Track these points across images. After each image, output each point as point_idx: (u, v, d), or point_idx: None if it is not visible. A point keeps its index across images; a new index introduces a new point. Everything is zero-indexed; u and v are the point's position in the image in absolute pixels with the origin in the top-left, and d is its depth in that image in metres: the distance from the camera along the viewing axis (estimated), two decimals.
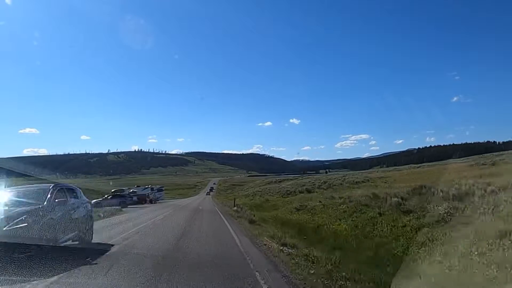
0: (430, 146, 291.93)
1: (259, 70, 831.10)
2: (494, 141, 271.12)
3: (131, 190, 42.76)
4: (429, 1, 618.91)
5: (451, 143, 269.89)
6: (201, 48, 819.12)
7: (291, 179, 70.41)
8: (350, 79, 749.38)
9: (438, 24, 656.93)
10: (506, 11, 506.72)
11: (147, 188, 54.21)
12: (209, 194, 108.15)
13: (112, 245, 8.46)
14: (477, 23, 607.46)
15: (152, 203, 46.89)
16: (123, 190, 37.67)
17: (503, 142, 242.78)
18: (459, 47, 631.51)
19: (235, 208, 25.30)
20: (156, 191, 55.56)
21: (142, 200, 45.74)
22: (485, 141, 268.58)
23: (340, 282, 5.23)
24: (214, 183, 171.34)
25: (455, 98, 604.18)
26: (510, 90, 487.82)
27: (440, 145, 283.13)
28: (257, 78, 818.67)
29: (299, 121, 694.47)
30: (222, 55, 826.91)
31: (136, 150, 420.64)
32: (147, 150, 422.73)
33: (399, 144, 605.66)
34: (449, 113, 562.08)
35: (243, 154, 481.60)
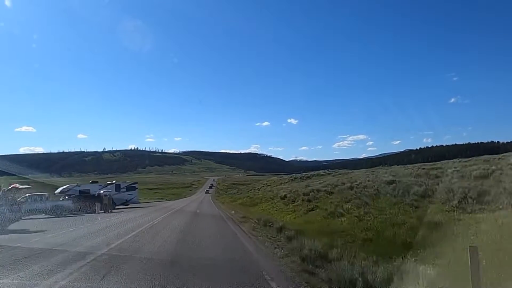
0: (432, 146, 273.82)
1: (258, 70, 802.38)
2: (497, 141, 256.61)
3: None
4: (427, 1, 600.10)
5: (453, 143, 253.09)
6: (199, 48, 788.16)
7: (322, 175, 48.32)
8: (348, 79, 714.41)
9: (437, 24, 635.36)
10: (504, 12, 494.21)
11: (109, 185, 31.53)
12: (208, 192, 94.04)
13: None
14: (476, 23, 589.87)
15: (107, 211, 24.32)
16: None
17: (507, 143, 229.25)
18: (457, 48, 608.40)
19: None
20: (123, 189, 32.73)
21: (87, 206, 23.22)
22: (489, 141, 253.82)
23: None
24: (214, 180, 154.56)
25: (453, 99, 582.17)
26: (508, 91, 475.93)
27: (442, 145, 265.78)
28: (255, 78, 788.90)
29: (297, 121, 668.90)
30: (220, 55, 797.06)
31: (133, 148, 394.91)
32: (144, 149, 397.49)
33: (396, 145, 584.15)
34: (447, 114, 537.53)
35: (240, 153, 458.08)
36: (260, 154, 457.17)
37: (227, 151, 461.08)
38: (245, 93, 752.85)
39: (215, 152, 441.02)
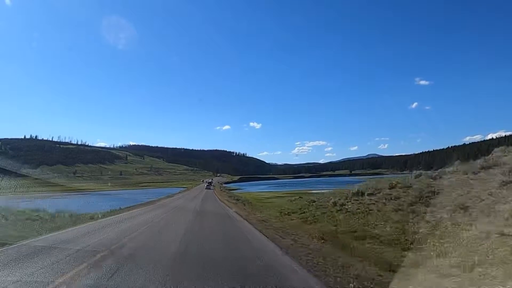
0: (428, 151, 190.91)
1: (219, 72, 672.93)
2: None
3: None
4: (387, 7, 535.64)
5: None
6: (160, 48, 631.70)
7: None
8: (307, 84, 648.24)
9: (399, 29, 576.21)
10: (471, 17, 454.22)
11: None
12: None
13: None
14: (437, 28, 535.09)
15: None
16: None
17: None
18: (425, 54, 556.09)
19: None
20: None
21: None
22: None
23: None
24: None
25: (414, 104, 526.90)
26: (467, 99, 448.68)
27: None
28: (217, 81, 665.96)
29: (260, 125, 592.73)
30: (180, 57, 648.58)
31: (29, 137, 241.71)
32: (47, 139, 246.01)
33: (354, 151, 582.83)
34: (405, 120, 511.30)
35: (203, 150, 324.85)
36: (230, 152, 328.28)
37: (185, 147, 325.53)
38: (204, 95, 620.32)
39: (166, 148, 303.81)
